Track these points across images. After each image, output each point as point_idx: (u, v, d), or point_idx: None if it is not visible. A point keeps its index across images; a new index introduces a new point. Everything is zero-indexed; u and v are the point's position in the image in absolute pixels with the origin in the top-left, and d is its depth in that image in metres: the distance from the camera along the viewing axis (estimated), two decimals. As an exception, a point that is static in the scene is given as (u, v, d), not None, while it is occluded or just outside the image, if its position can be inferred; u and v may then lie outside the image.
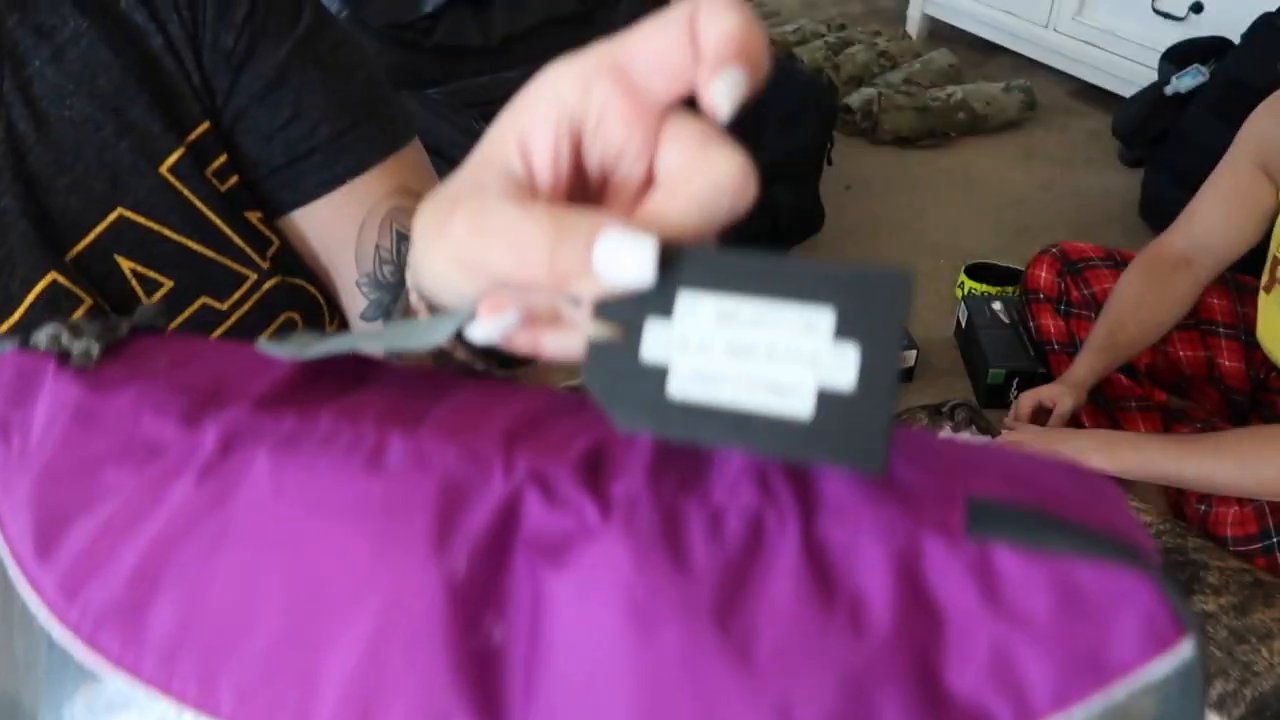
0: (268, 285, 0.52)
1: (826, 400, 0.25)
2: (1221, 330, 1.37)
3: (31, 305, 0.45)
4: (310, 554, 0.27)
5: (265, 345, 0.34)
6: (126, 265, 0.48)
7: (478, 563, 0.26)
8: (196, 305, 0.50)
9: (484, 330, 0.29)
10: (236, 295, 0.51)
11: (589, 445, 0.28)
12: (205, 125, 0.50)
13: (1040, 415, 1.29)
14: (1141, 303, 1.29)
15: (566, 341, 0.29)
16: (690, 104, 0.28)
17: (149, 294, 0.49)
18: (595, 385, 0.27)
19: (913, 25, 2.82)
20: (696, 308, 0.26)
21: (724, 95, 0.26)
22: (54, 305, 0.45)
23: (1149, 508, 1.22)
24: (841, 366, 0.25)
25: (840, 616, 0.24)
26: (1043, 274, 1.49)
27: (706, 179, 0.26)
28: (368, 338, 0.33)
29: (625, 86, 0.27)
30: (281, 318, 0.54)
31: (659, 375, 0.26)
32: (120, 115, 0.48)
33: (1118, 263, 1.43)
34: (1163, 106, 2.01)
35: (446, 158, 1.57)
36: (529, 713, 0.25)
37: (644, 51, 0.27)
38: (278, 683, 0.26)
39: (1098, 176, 2.24)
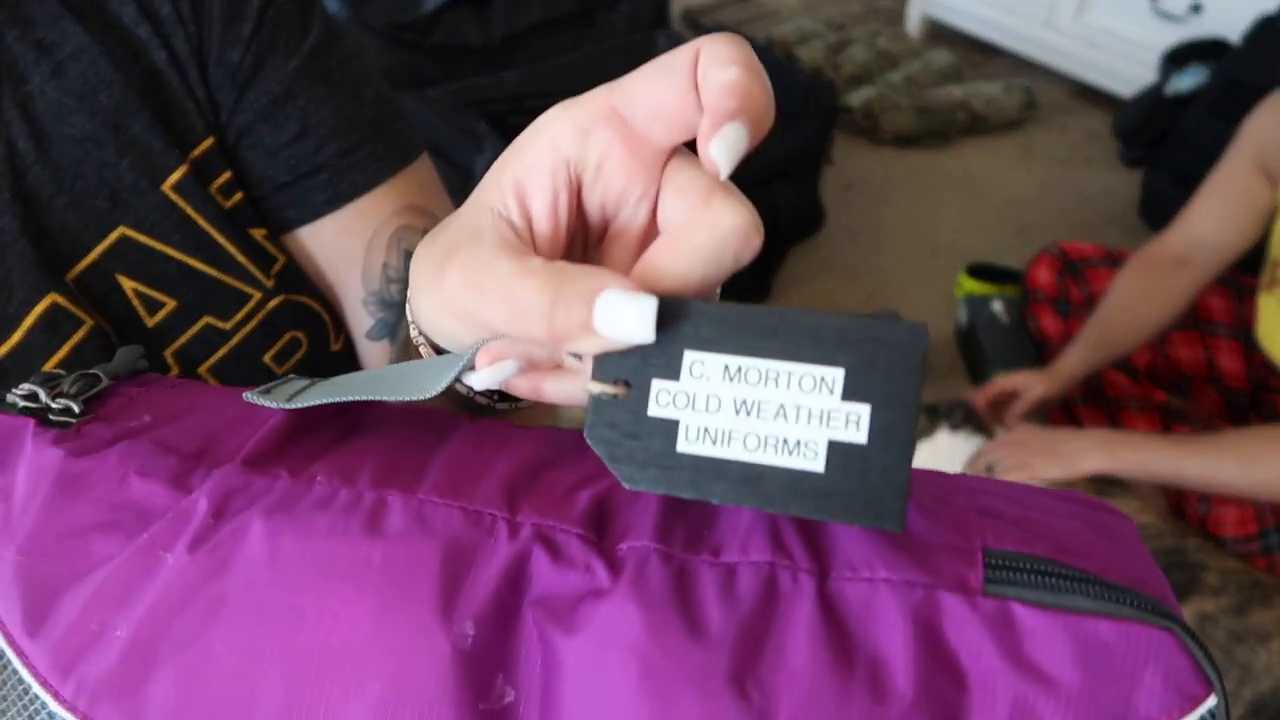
0: (272, 304, 0.51)
1: (840, 458, 0.24)
2: (1221, 330, 1.37)
3: (31, 328, 0.44)
4: (312, 624, 0.26)
5: (251, 396, 0.33)
6: (128, 285, 0.47)
7: (486, 627, 0.25)
8: (200, 325, 0.49)
9: (483, 380, 0.28)
10: (240, 314, 0.50)
11: (593, 499, 0.28)
12: (209, 141, 0.49)
13: (1027, 405, 1.30)
14: (1134, 299, 1.29)
15: (568, 387, 0.29)
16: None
17: (151, 314, 0.48)
18: (598, 442, 0.26)
19: (913, 25, 2.82)
20: (703, 365, 0.25)
21: (724, 154, 0.25)
22: (53, 327, 0.44)
23: (1149, 507, 1.22)
24: (855, 425, 0.24)
25: (860, 678, 0.24)
26: (1043, 274, 1.49)
27: (711, 232, 0.25)
28: (360, 388, 0.32)
29: (625, 133, 0.26)
30: (286, 336, 0.53)
31: (666, 433, 0.26)
32: (121, 132, 0.47)
33: (1118, 263, 1.43)
34: (1163, 107, 2.01)
35: (446, 158, 1.57)
36: None
37: (644, 98, 0.26)
38: None
39: (1098, 176, 2.24)
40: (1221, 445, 1.12)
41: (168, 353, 0.49)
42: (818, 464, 0.24)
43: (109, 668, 0.27)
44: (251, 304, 0.51)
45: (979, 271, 1.81)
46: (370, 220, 0.53)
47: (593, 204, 0.28)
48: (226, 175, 0.50)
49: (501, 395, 0.36)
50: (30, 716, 0.28)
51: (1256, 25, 1.80)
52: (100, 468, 0.30)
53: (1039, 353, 1.53)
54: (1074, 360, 1.30)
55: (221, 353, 0.50)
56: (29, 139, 0.45)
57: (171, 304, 0.49)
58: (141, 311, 0.48)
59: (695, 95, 0.25)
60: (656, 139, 0.26)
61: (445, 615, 0.25)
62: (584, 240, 0.30)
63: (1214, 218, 1.27)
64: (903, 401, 0.24)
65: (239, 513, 0.28)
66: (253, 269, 0.50)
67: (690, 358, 0.25)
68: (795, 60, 2.45)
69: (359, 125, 0.52)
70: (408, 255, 0.53)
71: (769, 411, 0.25)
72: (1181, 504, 1.24)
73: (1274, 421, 1.30)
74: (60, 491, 0.30)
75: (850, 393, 0.24)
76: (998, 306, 1.69)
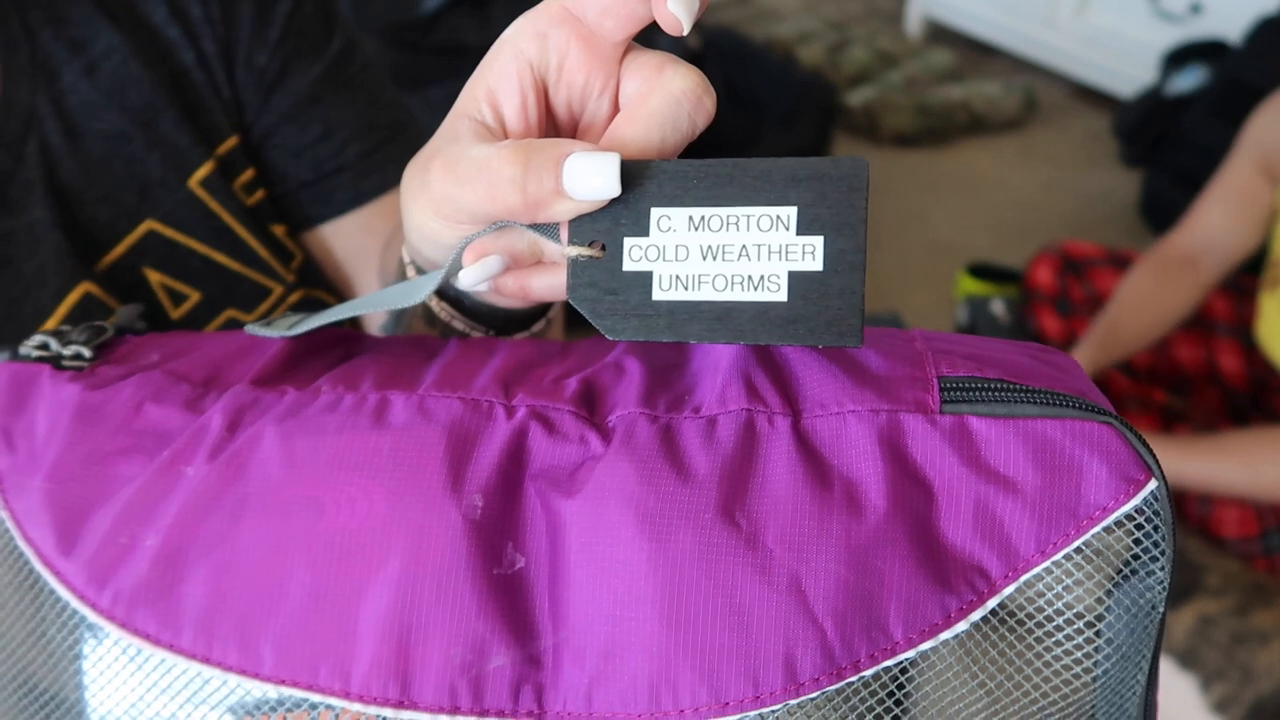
0: (292, 298, 0.52)
1: (801, 286, 0.27)
2: (1222, 330, 1.37)
3: (66, 316, 0.45)
4: (331, 512, 0.28)
5: (253, 328, 0.35)
6: (155, 278, 0.49)
7: (493, 499, 0.28)
8: (223, 318, 0.51)
9: (471, 277, 0.30)
10: (263, 308, 0.51)
11: (581, 382, 0.30)
12: (234, 140, 0.50)
13: None
14: (1144, 301, 1.29)
15: (552, 280, 0.31)
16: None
17: (177, 306, 0.49)
18: (581, 301, 0.28)
19: (913, 25, 2.82)
20: (670, 219, 0.28)
21: (681, 8, 0.27)
22: (87, 316, 0.45)
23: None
24: (811, 255, 0.27)
25: (838, 498, 0.26)
26: (1043, 273, 1.49)
27: (663, 96, 0.28)
28: (357, 304, 0.33)
29: (580, 32, 0.29)
30: None
31: (641, 284, 0.28)
32: (150, 129, 0.48)
33: (1120, 262, 1.43)
34: (1163, 107, 2.00)
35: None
36: (558, 626, 0.27)
37: None
38: (316, 637, 0.27)
39: (1098, 176, 2.24)
40: (1222, 446, 1.12)
41: None
42: (781, 294, 0.27)
43: (142, 575, 0.29)
44: (273, 298, 0.52)
45: (979, 271, 1.81)
46: (389, 219, 0.54)
47: (559, 102, 0.30)
48: (250, 173, 0.51)
49: (498, 330, 0.38)
50: (70, 631, 0.30)
51: (1256, 25, 1.80)
52: (116, 398, 0.32)
53: (1039, 353, 1.53)
54: (1081, 360, 1.30)
55: None
56: (61, 134, 0.46)
57: (196, 296, 0.50)
58: (167, 304, 0.49)
59: None
60: (610, 34, 0.28)
61: (455, 490, 0.27)
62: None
63: (1220, 219, 1.27)
64: (852, 228, 0.26)
65: (251, 424, 0.30)
66: (274, 264, 0.52)
67: (657, 213, 0.28)
68: (795, 60, 2.45)
69: (380, 128, 0.54)
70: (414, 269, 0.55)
71: (733, 253, 0.27)
72: (1182, 505, 1.24)
73: (1275, 422, 1.29)
74: (80, 422, 0.31)
75: (804, 227, 0.27)
76: (998, 306, 1.68)
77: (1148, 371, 1.41)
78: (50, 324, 0.45)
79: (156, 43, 0.48)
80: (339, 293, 0.56)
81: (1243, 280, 1.35)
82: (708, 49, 2.02)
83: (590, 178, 0.27)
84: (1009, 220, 2.10)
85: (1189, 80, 1.94)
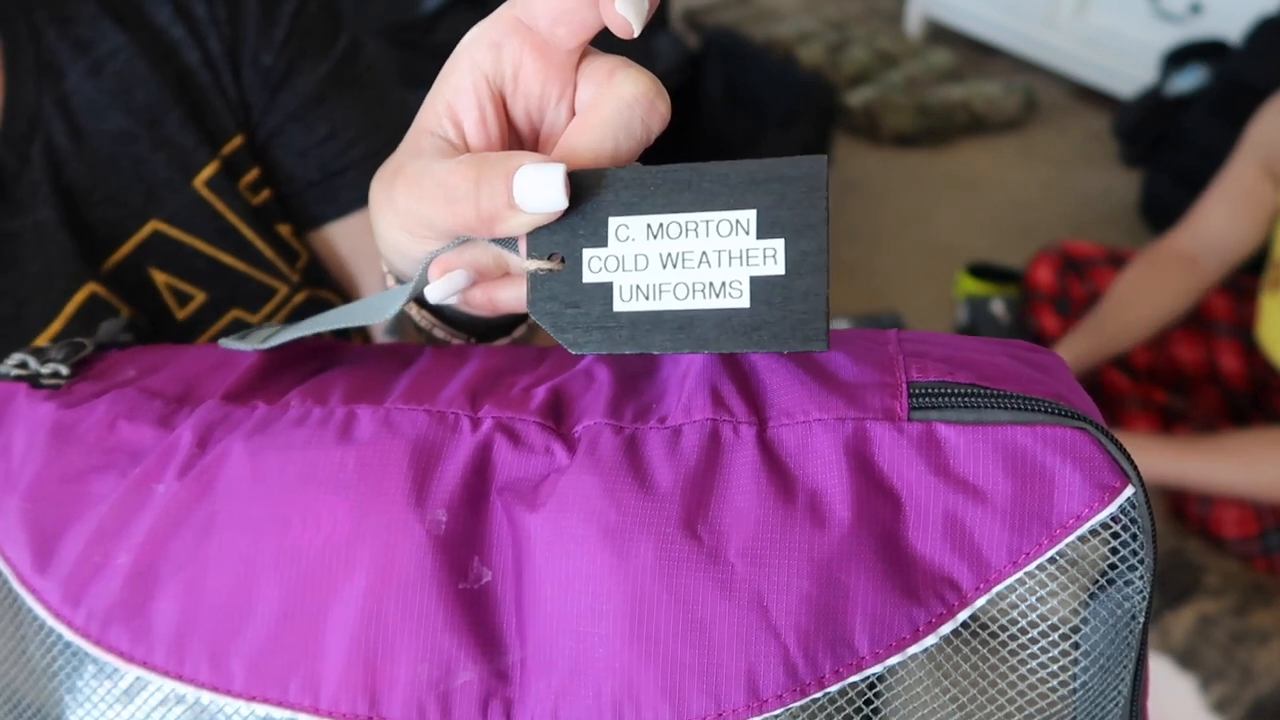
0: (297, 298, 0.52)
1: (763, 291, 0.26)
2: (1222, 330, 1.37)
3: (72, 316, 0.45)
4: (297, 528, 0.28)
5: (227, 342, 0.35)
6: (160, 278, 0.49)
7: (458, 513, 0.27)
8: (228, 318, 0.50)
9: (438, 291, 0.30)
10: (268, 308, 0.51)
11: (549, 392, 0.30)
12: (239, 139, 0.50)
13: None
14: (1136, 294, 1.29)
15: (519, 293, 0.31)
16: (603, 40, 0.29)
17: (182, 306, 0.49)
18: (542, 315, 0.28)
19: (913, 25, 2.82)
20: (628, 228, 0.27)
21: (629, 8, 0.26)
22: (93, 316, 0.45)
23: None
24: (772, 259, 0.26)
25: (802, 509, 0.26)
26: (1043, 273, 1.49)
27: (614, 102, 0.27)
28: (327, 318, 0.33)
29: (534, 41, 0.28)
30: None
31: (602, 296, 0.27)
32: (156, 129, 0.48)
33: (1120, 262, 1.43)
34: (1163, 107, 2.00)
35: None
36: (524, 641, 0.27)
37: (542, 5, 0.28)
38: (285, 653, 0.27)
39: (1098, 176, 2.24)
40: (1222, 446, 1.12)
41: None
42: (743, 301, 0.26)
43: (115, 594, 0.29)
44: (278, 298, 0.52)
45: (979, 271, 1.81)
46: None
47: (518, 112, 0.30)
48: (255, 173, 0.51)
49: (479, 336, 0.38)
50: (49, 649, 0.30)
51: (1256, 25, 1.80)
52: (90, 416, 0.32)
53: (1039, 353, 1.53)
54: (1070, 349, 1.29)
55: None
56: (67, 134, 0.46)
57: (201, 297, 0.50)
58: (172, 304, 0.49)
59: None
60: (562, 41, 0.28)
61: (419, 505, 0.27)
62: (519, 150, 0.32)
63: (1222, 219, 1.27)
64: (814, 229, 0.26)
65: (220, 440, 0.30)
66: (280, 264, 0.52)
67: (615, 223, 0.27)
68: (795, 60, 2.45)
69: (386, 128, 0.54)
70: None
71: (693, 260, 0.27)
72: (1182, 505, 1.24)
73: (1275, 422, 1.29)
74: (55, 441, 0.32)
75: (764, 230, 0.26)
76: (998, 306, 1.68)
77: (1148, 371, 1.41)
78: (57, 324, 0.45)
79: (161, 43, 0.48)
80: (344, 292, 0.56)
81: (1243, 280, 1.35)
82: (708, 49, 2.02)
83: (538, 190, 0.26)
84: (1009, 220, 2.10)
85: (1189, 80, 1.94)
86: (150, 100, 0.48)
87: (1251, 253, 1.28)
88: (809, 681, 0.25)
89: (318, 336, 0.37)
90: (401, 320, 0.40)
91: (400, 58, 1.83)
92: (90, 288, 0.45)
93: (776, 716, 0.25)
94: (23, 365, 0.34)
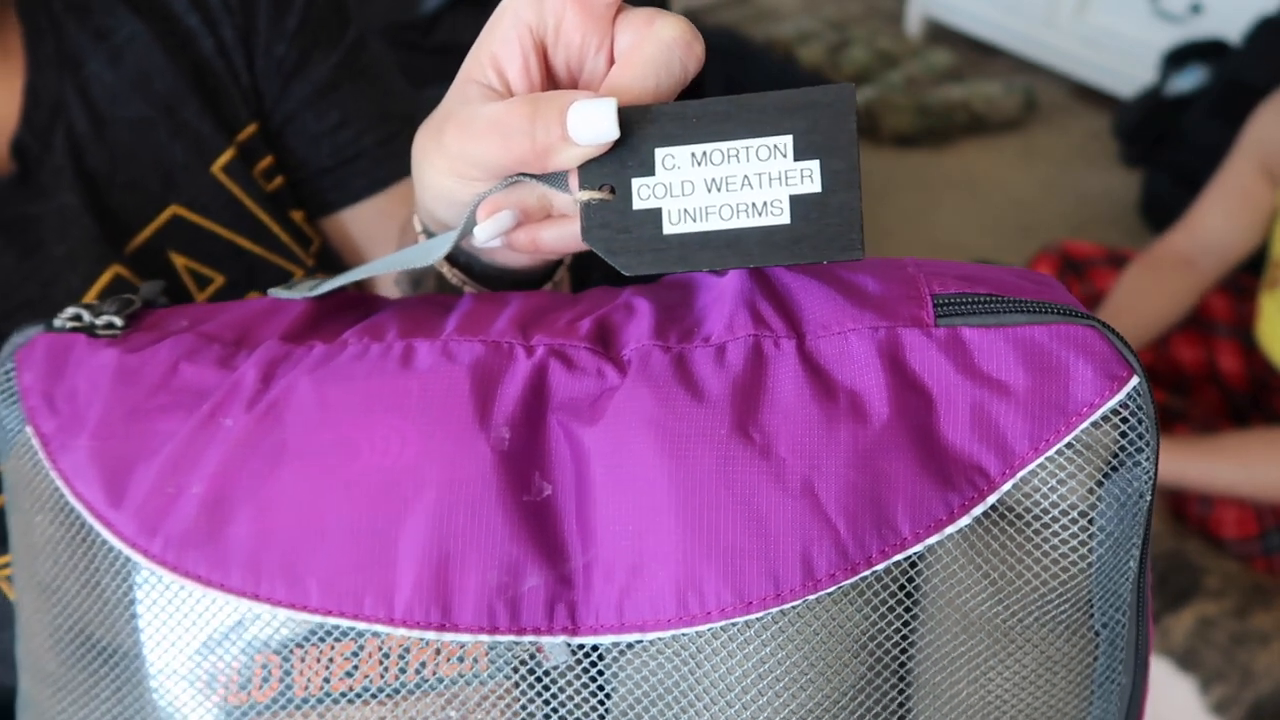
0: None
1: (802, 208, 0.28)
2: (1222, 330, 1.36)
3: (97, 298, 0.46)
4: (366, 452, 0.30)
5: (276, 291, 0.37)
6: (180, 261, 0.50)
7: (519, 431, 0.29)
8: None
9: (485, 232, 0.32)
10: None
11: (594, 322, 0.32)
12: (253, 127, 0.52)
13: None
14: (1137, 299, 1.29)
15: (561, 231, 0.33)
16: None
17: (200, 289, 0.50)
18: (596, 241, 0.30)
19: (913, 25, 2.82)
20: (674, 158, 0.29)
21: None
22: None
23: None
24: (809, 178, 0.28)
25: (844, 408, 0.28)
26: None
27: (655, 43, 0.29)
28: (377, 265, 0.35)
29: None
30: None
31: (652, 221, 0.29)
32: (173, 115, 0.49)
33: (1120, 262, 1.42)
34: (1163, 107, 2.00)
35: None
36: (587, 548, 0.29)
37: None
38: (359, 569, 0.29)
39: (1098, 176, 2.24)
40: (1222, 447, 1.12)
41: None
42: (784, 217, 0.28)
43: (190, 521, 0.30)
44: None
45: (979, 272, 1.81)
46: (406, 204, 0.55)
47: (558, 62, 0.32)
48: (269, 160, 0.52)
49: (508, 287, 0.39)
50: (124, 579, 0.32)
51: (1256, 25, 1.79)
52: (153, 360, 0.34)
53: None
54: None
55: None
56: (88, 122, 0.47)
57: (220, 280, 0.51)
58: (192, 287, 0.50)
59: None
60: None
61: (483, 423, 0.29)
62: None
63: (1219, 220, 1.27)
64: (845, 149, 0.28)
65: (284, 375, 0.32)
66: (295, 248, 0.53)
67: (661, 153, 0.29)
68: (795, 60, 2.45)
69: (395, 117, 0.55)
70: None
71: (735, 183, 0.29)
72: (1181, 506, 1.24)
73: (1275, 422, 1.29)
74: (120, 383, 0.33)
75: (800, 153, 0.28)
76: (997, 307, 1.68)
77: (1148, 371, 1.40)
78: None
79: (177, 31, 0.49)
80: None
81: (1243, 280, 1.35)
82: (708, 49, 2.02)
83: (592, 122, 0.28)
84: (1009, 220, 2.10)
85: (1189, 80, 1.94)
86: (168, 88, 0.49)
87: (1249, 253, 1.27)
88: (858, 561, 0.27)
89: (357, 287, 0.38)
90: (420, 286, 0.41)
91: (400, 58, 1.83)
92: (114, 269, 0.47)
93: (829, 594, 0.28)
94: (77, 318, 0.35)
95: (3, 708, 0.51)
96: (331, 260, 0.56)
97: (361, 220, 0.56)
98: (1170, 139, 1.96)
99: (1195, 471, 1.11)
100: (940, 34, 2.78)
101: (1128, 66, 2.34)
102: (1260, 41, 1.78)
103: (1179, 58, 2.02)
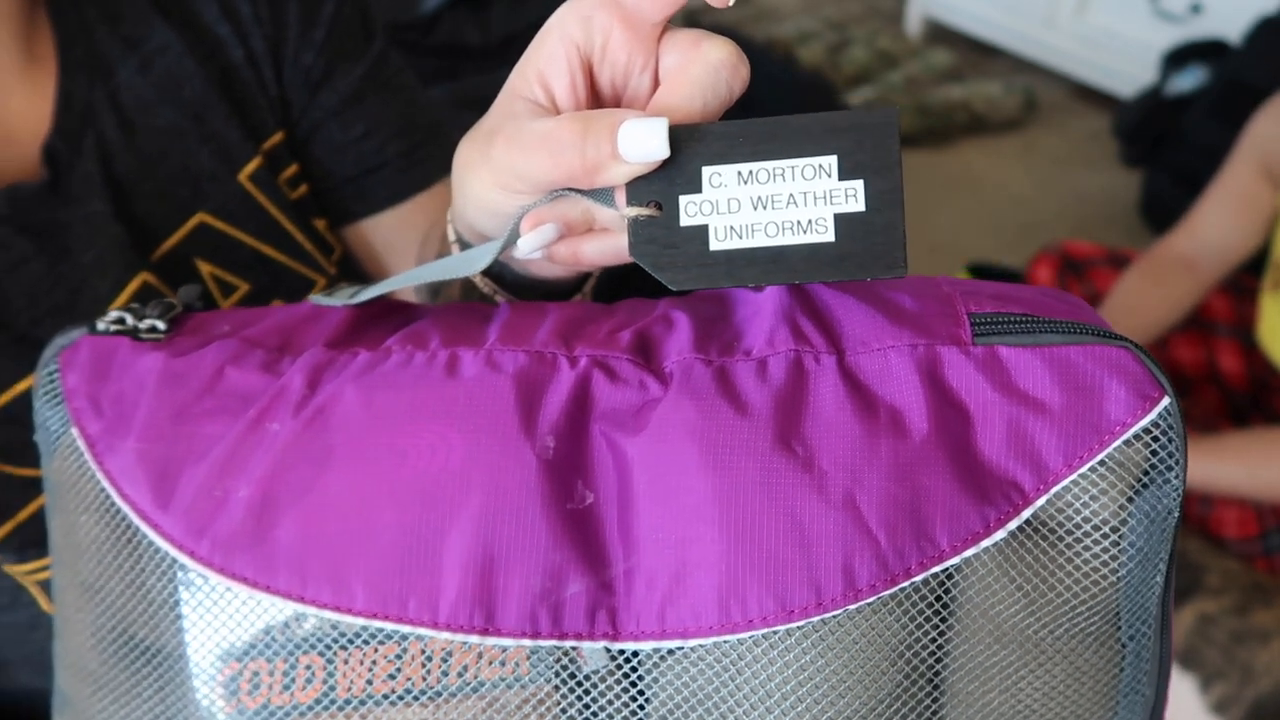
0: None
1: (846, 226, 0.29)
2: (1222, 330, 1.37)
3: (125, 304, 0.46)
4: (413, 458, 0.30)
5: (317, 298, 0.37)
6: (206, 269, 0.50)
7: (563, 440, 0.30)
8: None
9: (529, 244, 0.32)
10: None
11: (634, 334, 0.32)
12: (279, 135, 0.52)
13: None
14: (1138, 301, 1.29)
15: (603, 245, 0.33)
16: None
17: (226, 297, 0.51)
18: (643, 256, 0.31)
19: (913, 25, 2.82)
20: (720, 176, 0.30)
21: None
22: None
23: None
24: (854, 197, 0.29)
25: (885, 424, 0.29)
26: (1043, 273, 1.49)
27: (704, 65, 0.30)
28: (417, 273, 0.36)
29: (621, 14, 0.31)
30: None
31: (699, 237, 0.30)
32: (202, 124, 0.49)
33: (1120, 262, 1.43)
34: (1163, 107, 2.01)
35: (448, 158, 1.57)
36: (629, 555, 0.29)
37: None
38: (404, 573, 0.29)
39: (1098, 176, 2.24)
40: (1223, 447, 1.12)
41: None
42: (829, 235, 0.29)
43: (237, 524, 0.31)
44: (317, 290, 0.53)
45: (979, 271, 1.81)
46: (427, 214, 0.56)
47: (604, 80, 0.32)
48: (294, 168, 0.53)
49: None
50: (169, 580, 0.32)
51: (1256, 25, 1.80)
52: (198, 364, 0.34)
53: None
54: None
55: None
56: (117, 128, 0.48)
57: (245, 287, 0.51)
58: (217, 294, 0.50)
59: None
60: (648, 14, 0.30)
61: (528, 433, 0.30)
62: None
63: (1220, 221, 1.27)
64: (889, 170, 0.29)
65: (330, 381, 0.32)
66: (318, 256, 0.53)
67: (708, 171, 0.30)
68: (795, 60, 2.45)
69: (419, 128, 0.56)
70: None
71: (781, 202, 0.29)
72: (1182, 506, 1.25)
73: (1275, 422, 1.30)
74: (165, 387, 0.33)
75: (845, 173, 0.29)
76: (998, 307, 1.68)
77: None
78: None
79: (207, 40, 0.50)
80: None
81: (1243, 280, 1.36)
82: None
83: (643, 140, 0.29)
84: (1009, 220, 2.11)
85: (1189, 80, 1.94)
86: (197, 95, 0.49)
87: (1250, 254, 1.28)
88: (898, 572, 0.28)
89: (394, 296, 0.38)
90: (437, 291, 0.41)
91: (400, 58, 1.83)
92: (143, 276, 0.47)
93: (869, 604, 0.28)
94: (120, 321, 0.36)
95: (29, 709, 0.51)
96: (352, 268, 0.57)
97: (383, 229, 0.56)
98: (1170, 139, 1.96)
99: (1197, 471, 1.11)
100: (940, 34, 2.79)
101: (1128, 66, 2.35)
102: (1260, 41, 1.78)
103: (1179, 58, 2.03)
